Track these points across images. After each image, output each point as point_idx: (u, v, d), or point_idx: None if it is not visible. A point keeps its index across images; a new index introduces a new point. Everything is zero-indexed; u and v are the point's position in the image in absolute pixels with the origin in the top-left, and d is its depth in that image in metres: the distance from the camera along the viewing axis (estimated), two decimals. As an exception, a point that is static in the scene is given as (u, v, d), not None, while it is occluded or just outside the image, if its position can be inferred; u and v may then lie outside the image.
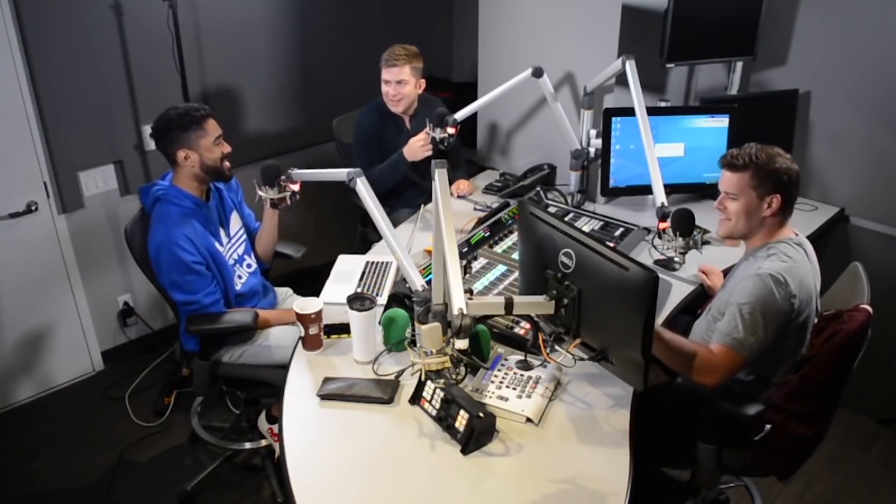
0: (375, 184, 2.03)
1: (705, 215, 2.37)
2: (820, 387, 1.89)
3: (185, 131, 2.22)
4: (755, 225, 1.95)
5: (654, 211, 2.30)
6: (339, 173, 2.09)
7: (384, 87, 2.98)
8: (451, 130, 2.66)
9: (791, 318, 1.85)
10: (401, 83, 2.94)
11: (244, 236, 2.50)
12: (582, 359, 1.82)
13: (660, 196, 2.29)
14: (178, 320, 2.40)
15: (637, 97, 2.46)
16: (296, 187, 2.23)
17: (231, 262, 2.39)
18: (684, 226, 2.16)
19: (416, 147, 2.83)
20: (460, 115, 2.74)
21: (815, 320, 1.98)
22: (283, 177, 2.25)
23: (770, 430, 1.93)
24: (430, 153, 2.80)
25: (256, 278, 2.51)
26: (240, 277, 2.42)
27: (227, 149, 2.31)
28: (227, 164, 2.32)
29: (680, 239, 2.18)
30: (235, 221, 2.47)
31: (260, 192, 2.20)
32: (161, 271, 2.24)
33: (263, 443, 2.73)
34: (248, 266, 2.48)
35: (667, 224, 2.21)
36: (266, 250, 2.60)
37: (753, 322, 1.81)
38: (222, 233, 2.38)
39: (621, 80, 2.70)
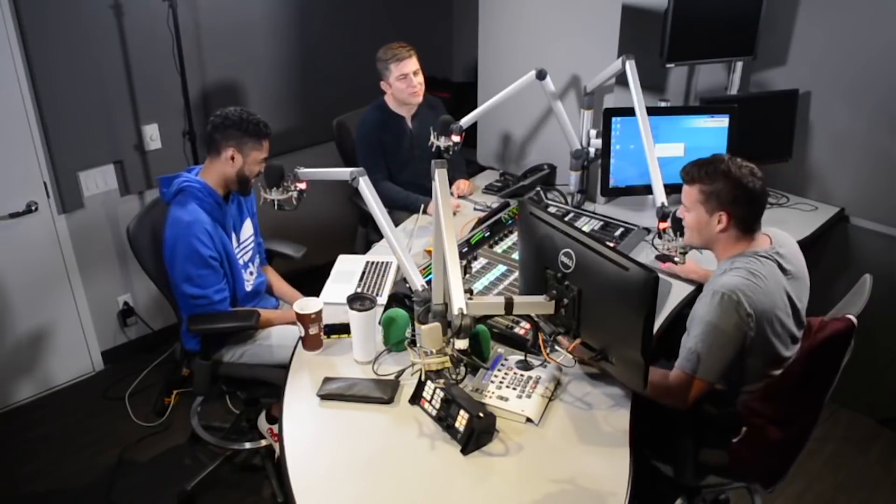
0: (382, 196, 2.04)
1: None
2: (789, 390, 1.86)
3: (245, 136, 2.26)
4: (708, 239, 1.93)
5: (654, 211, 2.29)
6: (342, 172, 2.09)
7: (401, 83, 2.95)
8: (455, 138, 2.66)
9: (747, 335, 1.81)
10: (416, 73, 2.96)
11: (252, 244, 2.51)
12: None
13: (660, 196, 2.29)
14: (178, 320, 2.41)
15: (637, 97, 2.46)
16: (303, 186, 2.23)
17: (241, 263, 2.40)
18: (680, 226, 2.16)
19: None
20: (464, 121, 2.74)
21: (799, 332, 1.95)
22: (287, 177, 2.26)
23: (746, 433, 1.92)
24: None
25: (259, 280, 2.53)
26: (245, 280, 2.43)
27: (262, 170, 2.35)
28: (252, 181, 2.36)
29: (680, 239, 2.18)
30: (247, 228, 2.48)
31: (264, 195, 2.21)
32: (175, 262, 2.22)
33: (263, 443, 2.74)
34: (251, 273, 2.48)
35: (667, 224, 2.21)
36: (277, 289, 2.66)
37: (709, 351, 1.80)
38: (233, 237, 2.38)
39: (621, 80, 2.70)
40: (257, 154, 2.29)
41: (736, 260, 1.87)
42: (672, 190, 2.62)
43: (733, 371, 1.87)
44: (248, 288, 2.42)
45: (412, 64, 2.95)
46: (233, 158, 2.26)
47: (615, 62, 2.59)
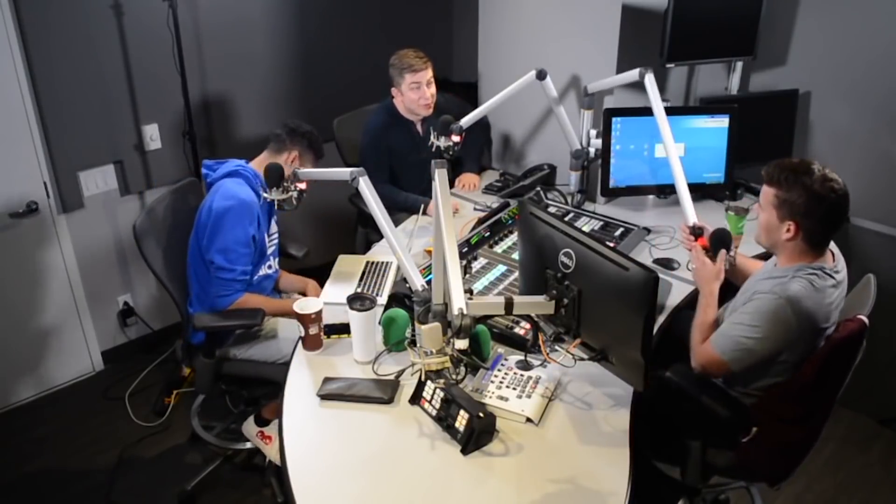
0: (382, 198, 2.04)
1: (705, 215, 2.36)
2: (804, 391, 1.86)
3: (309, 149, 2.46)
4: (775, 243, 1.90)
5: (653, 211, 2.30)
6: (342, 172, 2.09)
7: (413, 93, 2.93)
8: (455, 138, 2.65)
9: (788, 346, 1.83)
10: (429, 84, 2.95)
11: (277, 239, 2.58)
12: (582, 359, 1.83)
13: (691, 216, 2.23)
14: (182, 317, 2.42)
15: (658, 109, 2.40)
16: (303, 186, 2.25)
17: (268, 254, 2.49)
18: (723, 245, 2.11)
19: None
20: (465, 121, 2.73)
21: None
22: (287, 177, 2.26)
23: (756, 433, 1.92)
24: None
25: (273, 274, 2.59)
26: (261, 273, 2.49)
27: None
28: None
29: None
30: (273, 225, 2.55)
31: (264, 194, 2.21)
32: (217, 232, 2.28)
33: (263, 443, 2.74)
34: (269, 267, 2.54)
35: (704, 242, 2.15)
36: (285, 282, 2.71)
37: (754, 345, 1.82)
38: (269, 226, 2.48)
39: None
40: (307, 166, 2.44)
41: (800, 269, 1.84)
42: (672, 190, 2.62)
43: (755, 370, 1.89)
44: (259, 274, 2.47)
45: (427, 74, 2.92)
46: (288, 161, 2.41)
47: (631, 71, 2.54)
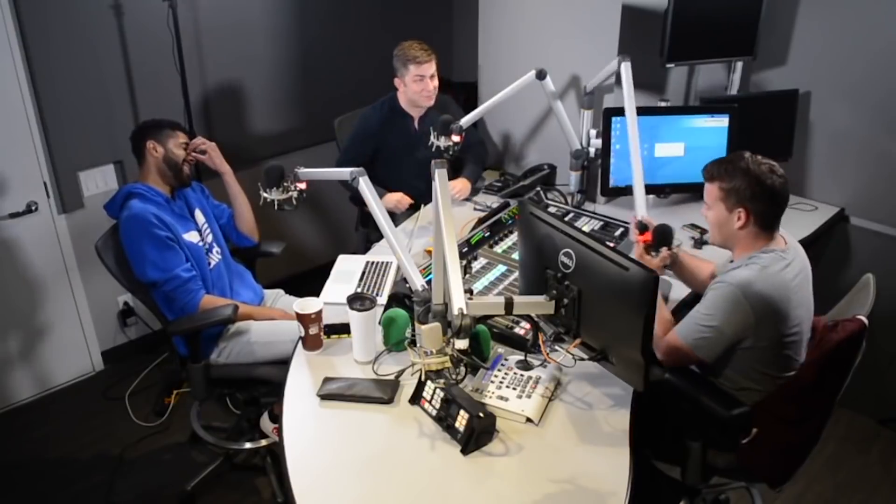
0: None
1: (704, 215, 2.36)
2: (804, 392, 1.87)
3: (156, 128, 2.46)
4: (729, 237, 1.95)
5: (653, 211, 2.30)
6: (342, 172, 2.09)
7: (417, 85, 2.92)
8: (455, 138, 2.65)
9: (750, 328, 1.85)
10: (432, 77, 2.94)
11: (210, 228, 2.58)
12: (582, 359, 1.83)
13: (641, 209, 2.26)
14: (167, 329, 2.41)
15: (628, 97, 2.41)
16: (303, 186, 2.25)
17: (204, 249, 2.48)
18: (664, 241, 2.15)
19: (392, 202, 2.91)
20: (465, 121, 2.72)
21: (805, 334, 1.96)
22: (287, 177, 2.26)
23: (757, 434, 1.92)
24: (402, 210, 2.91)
25: (225, 262, 2.59)
26: (209, 264, 2.49)
27: (191, 157, 2.50)
28: (187, 168, 2.48)
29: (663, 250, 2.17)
30: (199, 216, 2.56)
31: (264, 194, 2.22)
32: (137, 256, 2.30)
33: (263, 442, 2.73)
34: (218, 252, 2.56)
35: (647, 238, 2.17)
36: (248, 222, 2.71)
37: (712, 332, 1.85)
38: (192, 230, 2.47)
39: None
40: (174, 140, 2.45)
41: (752, 257, 1.89)
42: (672, 190, 2.63)
43: (725, 358, 1.91)
44: (211, 266, 2.48)
45: (431, 68, 2.91)
46: (155, 149, 2.42)
47: (613, 62, 2.58)
